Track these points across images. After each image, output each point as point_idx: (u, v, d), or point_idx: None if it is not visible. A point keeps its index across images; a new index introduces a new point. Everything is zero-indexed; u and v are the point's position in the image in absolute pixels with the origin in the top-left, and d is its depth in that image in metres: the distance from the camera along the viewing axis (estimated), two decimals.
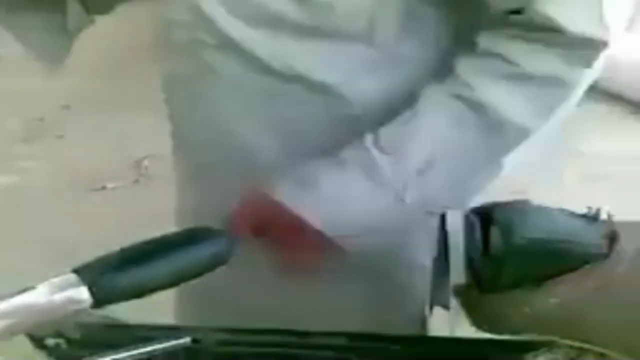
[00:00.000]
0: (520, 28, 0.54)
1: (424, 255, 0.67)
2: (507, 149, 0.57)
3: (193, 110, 0.66)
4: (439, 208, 0.59)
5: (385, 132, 0.56)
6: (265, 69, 0.59)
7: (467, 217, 0.51)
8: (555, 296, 0.46)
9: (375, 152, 0.55)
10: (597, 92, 3.06)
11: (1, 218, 2.38)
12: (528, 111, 0.54)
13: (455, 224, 0.57)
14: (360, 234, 0.57)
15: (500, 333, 0.50)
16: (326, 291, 0.68)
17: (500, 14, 0.55)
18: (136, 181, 2.66)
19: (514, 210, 0.48)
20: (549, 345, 0.53)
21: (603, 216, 0.48)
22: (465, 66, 0.55)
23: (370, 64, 0.58)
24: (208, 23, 0.58)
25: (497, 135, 0.55)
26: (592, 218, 0.48)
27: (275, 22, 0.57)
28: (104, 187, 2.64)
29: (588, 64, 0.54)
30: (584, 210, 0.49)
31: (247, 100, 0.61)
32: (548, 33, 0.53)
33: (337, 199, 0.57)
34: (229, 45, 0.59)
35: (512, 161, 0.57)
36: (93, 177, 2.72)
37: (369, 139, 0.56)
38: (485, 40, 0.55)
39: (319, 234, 0.57)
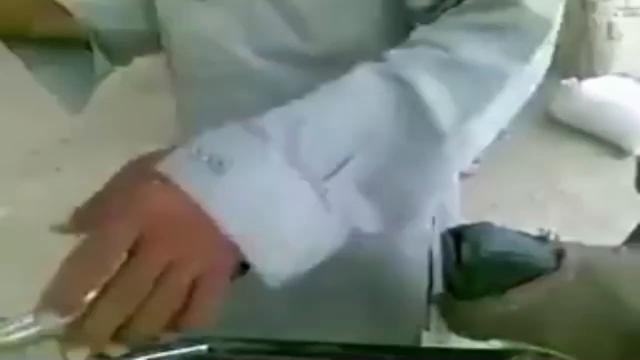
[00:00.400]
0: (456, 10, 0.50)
1: (419, 272, 0.73)
2: (431, 149, 0.47)
3: None
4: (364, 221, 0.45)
5: (305, 106, 0.45)
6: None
7: (442, 237, 0.59)
8: (515, 303, 0.55)
9: (294, 128, 0.42)
10: (576, 132, 3.18)
11: None
12: (456, 108, 0.46)
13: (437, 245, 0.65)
14: (280, 245, 0.40)
15: (473, 336, 0.59)
16: (322, 308, 0.73)
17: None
18: None
19: (480, 230, 0.56)
20: (520, 353, 0.61)
21: (552, 237, 0.58)
22: (396, 53, 0.49)
23: None
24: (230, 59, 0.61)
25: (422, 122, 0.46)
26: (542, 238, 0.58)
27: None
28: None
29: (527, 56, 0.49)
30: (536, 232, 0.59)
31: None
32: (487, 13, 0.49)
33: (254, 188, 0.40)
34: (248, 76, 0.61)
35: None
36: None
37: (288, 109, 0.44)
38: (417, 33, 0.51)
39: (225, 241, 0.39)
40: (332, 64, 0.54)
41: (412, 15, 0.55)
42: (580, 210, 2.64)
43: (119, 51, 0.77)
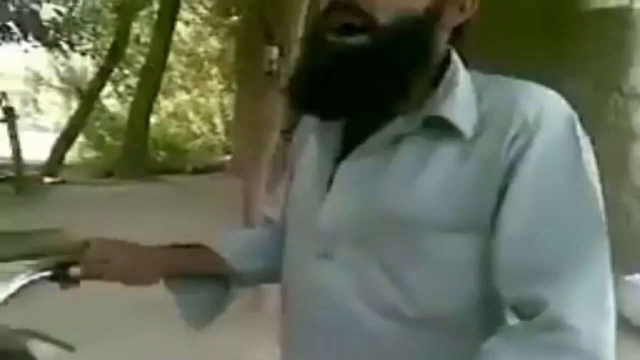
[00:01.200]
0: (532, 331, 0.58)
1: None
2: None
3: None
4: None
5: None
6: None
7: None
8: None
9: None
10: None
11: None
12: None
13: None
14: None
15: None
16: None
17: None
18: None
19: None
20: None
21: None
22: None
23: None
24: (340, 310, 0.69)
25: None
26: None
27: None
28: None
29: None
30: None
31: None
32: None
33: None
34: (354, 328, 0.68)
35: None
36: None
37: None
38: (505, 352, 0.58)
39: None
40: (429, 326, 0.65)
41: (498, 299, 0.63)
42: None
43: (248, 281, 0.90)
